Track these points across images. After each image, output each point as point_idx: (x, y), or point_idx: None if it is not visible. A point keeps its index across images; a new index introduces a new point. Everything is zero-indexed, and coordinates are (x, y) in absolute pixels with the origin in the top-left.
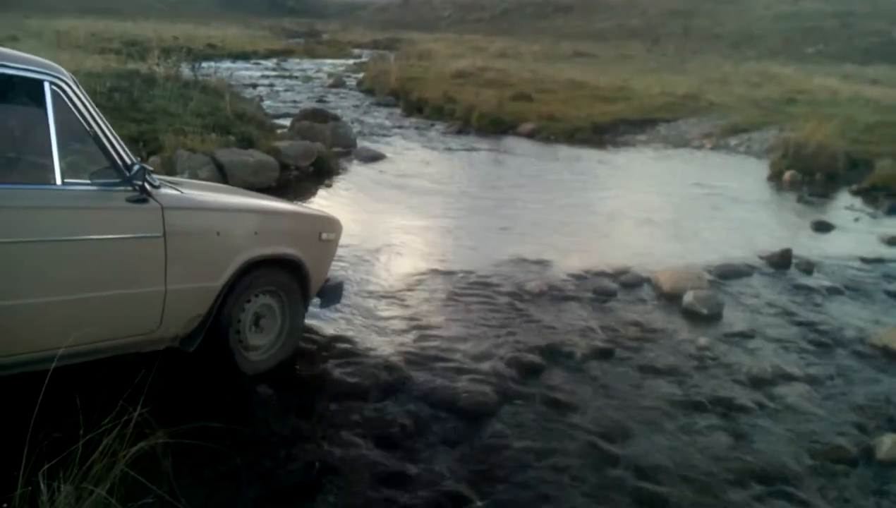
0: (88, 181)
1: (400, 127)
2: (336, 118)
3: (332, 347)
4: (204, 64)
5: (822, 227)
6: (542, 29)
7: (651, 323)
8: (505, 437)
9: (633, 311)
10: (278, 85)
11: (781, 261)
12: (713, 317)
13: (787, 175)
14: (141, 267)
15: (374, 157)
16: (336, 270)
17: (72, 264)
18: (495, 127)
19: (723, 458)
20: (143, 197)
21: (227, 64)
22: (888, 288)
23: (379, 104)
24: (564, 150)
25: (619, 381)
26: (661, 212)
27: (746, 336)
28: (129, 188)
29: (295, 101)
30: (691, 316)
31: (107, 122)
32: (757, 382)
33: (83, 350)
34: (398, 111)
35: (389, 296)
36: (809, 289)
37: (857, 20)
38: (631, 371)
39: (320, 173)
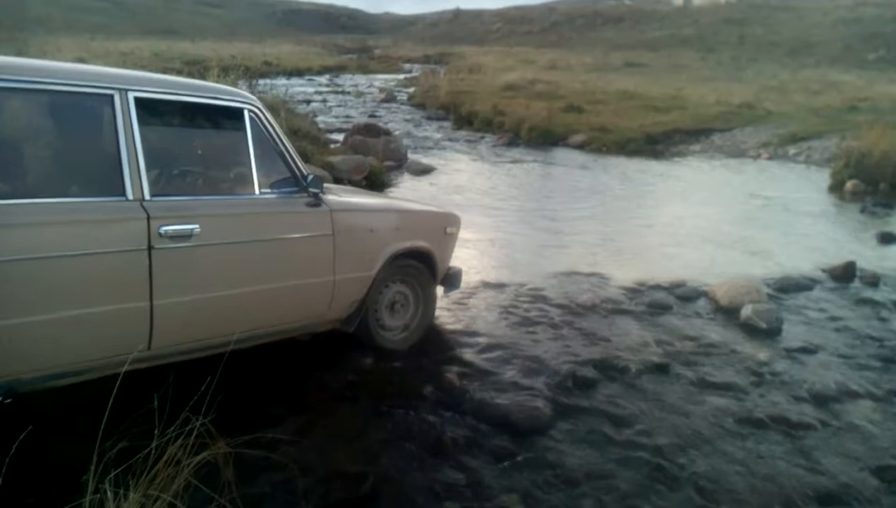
0: (277, 191)
1: (450, 140)
2: (387, 132)
3: (386, 358)
4: (260, 81)
5: (888, 239)
6: (592, 40)
7: (707, 337)
8: (558, 453)
9: (689, 325)
10: (331, 100)
11: (844, 274)
12: (772, 332)
13: (850, 185)
14: (316, 261)
15: (425, 170)
16: None
17: (269, 260)
18: (545, 139)
19: (785, 478)
20: (317, 201)
21: (282, 81)
22: None
23: (429, 118)
24: (615, 161)
25: (675, 397)
26: (717, 224)
27: (808, 351)
28: (306, 194)
29: (348, 116)
30: (749, 330)
31: (287, 140)
32: (819, 399)
33: (273, 331)
34: (448, 124)
35: (441, 308)
36: (874, 303)
37: None
38: (687, 386)
39: (372, 186)
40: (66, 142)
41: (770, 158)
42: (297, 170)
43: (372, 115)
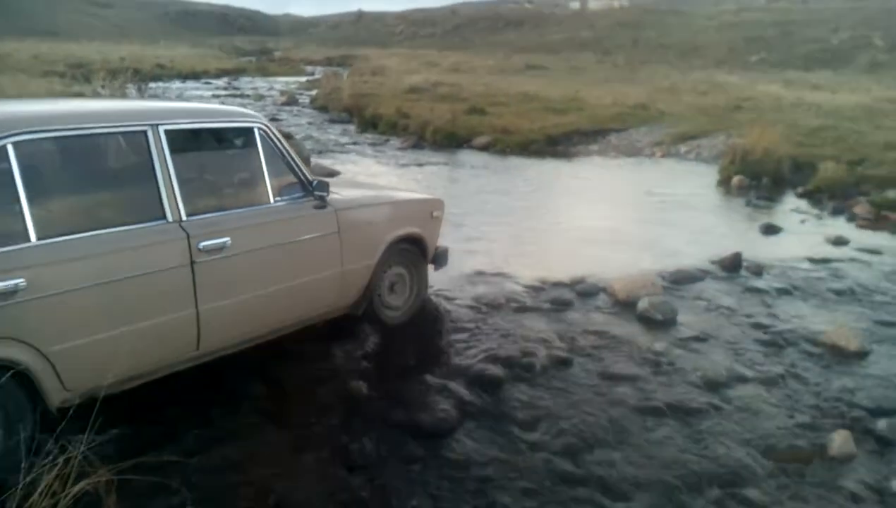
0: (288, 197)
1: (354, 143)
2: (289, 136)
3: (293, 367)
4: (152, 84)
5: (771, 230)
6: (494, 43)
7: (608, 330)
8: (465, 455)
9: (590, 320)
10: (230, 104)
11: (732, 265)
12: (668, 323)
13: (736, 180)
14: (326, 256)
15: (329, 174)
16: None
17: (288, 260)
18: (450, 141)
19: (682, 464)
20: (323, 204)
21: (176, 84)
22: (834, 288)
23: (333, 121)
24: (518, 162)
25: (578, 391)
26: (615, 221)
27: (700, 339)
28: (313, 198)
29: None
30: (647, 322)
31: (292, 150)
32: (712, 385)
33: (297, 321)
34: (352, 127)
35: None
36: (760, 291)
37: (796, 28)
38: (589, 379)
39: None
40: (112, 177)
41: (663, 156)
42: (303, 177)
43: (273, 119)
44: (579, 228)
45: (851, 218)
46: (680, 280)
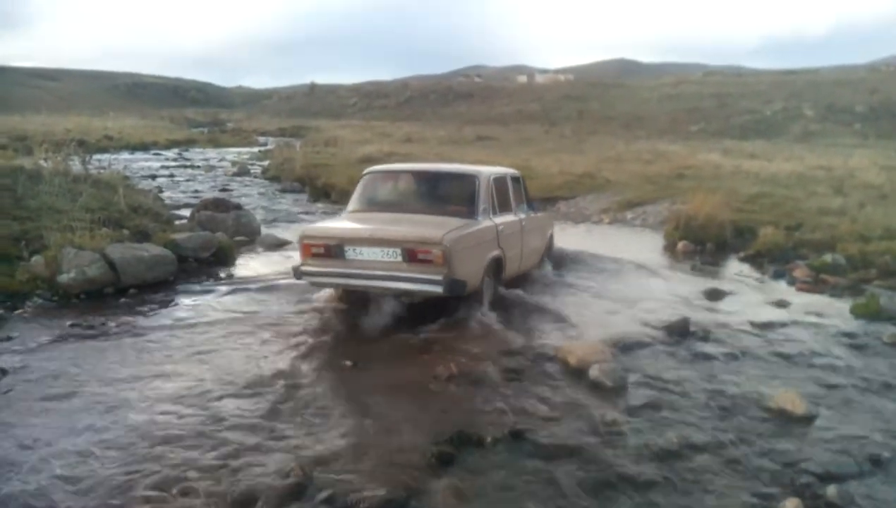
0: (529, 209)
1: (307, 212)
2: (238, 207)
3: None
4: (99, 157)
5: (716, 295)
6: (445, 115)
7: (559, 399)
8: None
9: (542, 388)
10: (179, 175)
11: (680, 330)
12: (618, 390)
13: (681, 245)
14: (540, 237)
15: (279, 244)
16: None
17: (532, 234)
18: None
19: None
20: (535, 212)
21: (124, 155)
22: (778, 351)
23: (285, 191)
24: None
25: (529, 466)
26: (563, 288)
27: (651, 407)
28: (532, 211)
29: (196, 191)
30: (597, 389)
31: (527, 190)
32: (663, 455)
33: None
34: (304, 197)
35: (255, 390)
36: (707, 356)
37: (732, 100)
38: (541, 453)
39: (221, 263)
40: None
41: (611, 223)
42: (530, 202)
43: (223, 189)
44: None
45: (792, 281)
46: (630, 345)
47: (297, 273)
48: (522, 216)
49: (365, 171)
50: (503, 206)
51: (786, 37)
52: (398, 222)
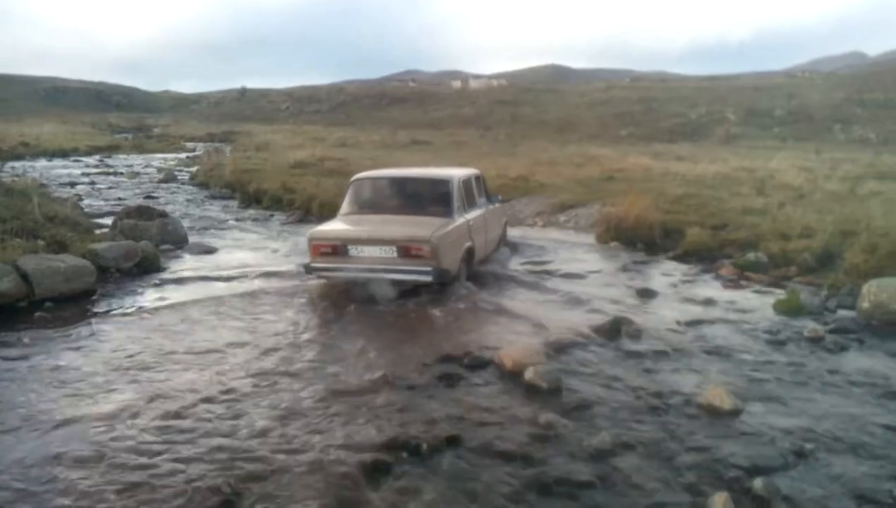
0: (490, 202)
1: (237, 219)
2: (164, 214)
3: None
4: (13, 164)
5: (646, 294)
6: (379, 119)
7: (495, 403)
8: None
9: (477, 393)
10: (101, 183)
11: (612, 330)
12: (553, 391)
13: (612, 245)
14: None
15: (207, 251)
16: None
17: (491, 223)
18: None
19: None
20: (493, 204)
21: (41, 162)
22: (706, 348)
23: (214, 197)
24: None
25: (466, 471)
26: (493, 291)
27: (585, 407)
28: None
29: (119, 199)
30: (533, 391)
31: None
32: (597, 455)
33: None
34: (234, 204)
35: (220, 403)
36: (639, 355)
37: (659, 104)
38: (477, 458)
39: (146, 272)
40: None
41: (545, 225)
42: (489, 196)
43: (148, 197)
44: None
45: (718, 279)
46: (564, 347)
47: (308, 268)
48: (484, 210)
49: (353, 178)
50: (470, 203)
51: (710, 43)
52: (390, 223)
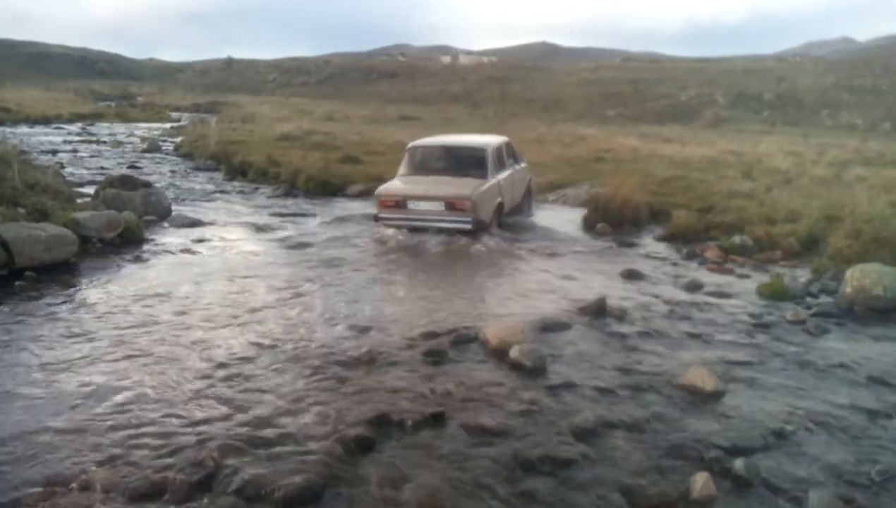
0: (517, 163)
1: (222, 191)
2: (147, 184)
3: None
4: None
5: (632, 275)
6: (367, 93)
7: (480, 380)
8: None
9: (463, 370)
10: (83, 151)
11: (597, 311)
12: (538, 370)
13: (599, 226)
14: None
15: (192, 223)
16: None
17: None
18: (324, 189)
19: None
20: (520, 163)
21: (23, 129)
22: (689, 330)
23: (199, 169)
24: None
25: (450, 448)
26: (487, 269)
27: (569, 386)
28: (520, 164)
29: (102, 168)
30: (518, 370)
31: (515, 151)
32: (580, 434)
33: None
34: (219, 176)
35: (205, 377)
36: (623, 336)
37: (648, 85)
38: (462, 435)
39: (129, 243)
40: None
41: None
42: (516, 157)
43: (132, 166)
44: (461, 278)
45: (703, 261)
46: (549, 326)
47: (377, 218)
48: (511, 170)
49: (409, 145)
50: (500, 166)
51: (704, 24)
52: (439, 183)
